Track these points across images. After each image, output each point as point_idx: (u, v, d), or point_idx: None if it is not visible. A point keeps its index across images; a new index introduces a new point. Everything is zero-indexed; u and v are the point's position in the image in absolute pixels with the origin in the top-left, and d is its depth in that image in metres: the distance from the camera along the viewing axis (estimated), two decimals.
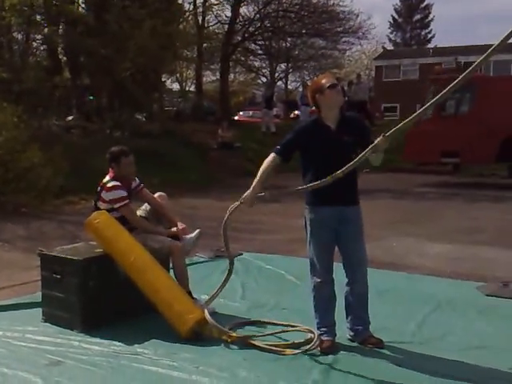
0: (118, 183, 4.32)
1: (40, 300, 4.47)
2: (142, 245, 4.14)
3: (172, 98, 26.56)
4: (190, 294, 4.26)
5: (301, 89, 25.29)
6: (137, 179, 4.57)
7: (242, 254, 6.34)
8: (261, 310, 4.41)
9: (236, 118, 23.60)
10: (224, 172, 14.73)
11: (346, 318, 3.70)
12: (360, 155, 3.41)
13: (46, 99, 15.62)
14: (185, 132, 17.26)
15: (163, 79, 21.96)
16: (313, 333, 3.73)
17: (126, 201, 4.31)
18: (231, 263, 4.02)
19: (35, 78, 15.19)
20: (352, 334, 3.69)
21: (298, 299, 4.69)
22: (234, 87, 30.71)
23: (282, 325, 4.03)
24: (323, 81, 3.60)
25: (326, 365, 3.41)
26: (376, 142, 3.32)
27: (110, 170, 4.41)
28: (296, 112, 23.53)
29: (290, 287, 5.16)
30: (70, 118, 17.15)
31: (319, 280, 3.63)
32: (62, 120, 16.39)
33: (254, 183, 3.65)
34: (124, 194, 4.31)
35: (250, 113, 27.31)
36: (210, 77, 29.22)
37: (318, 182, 3.46)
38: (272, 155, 3.65)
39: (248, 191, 3.67)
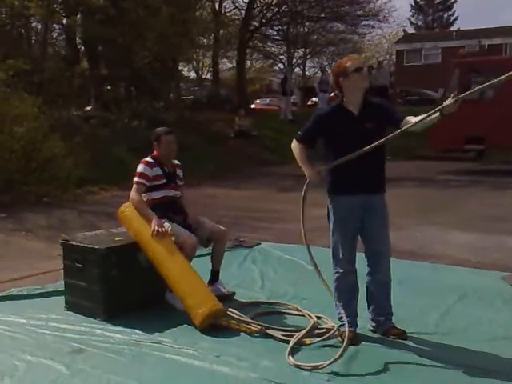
0: (149, 159, 4.38)
1: (63, 288, 4.54)
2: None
3: (189, 86, 26.54)
4: (216, 273, 4.36)
5: (319, 75, 25.06)
6: (181, 173, 4.57)
7: (260, 244, 6.33)
8: (280, 300, 4.40)
9: (253, 106, 23.47)
10: (241, 161, 14.71)
11: (368, 308, 3.68)
12: (421, 117, 3.32)
13: (66, 89, 15.74)
14: (201, 121, 17.26)
15: (180, 67, 21.98)
16: (334, 323, 3.71)
17: (142, 179, 4.30)
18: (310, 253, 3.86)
19: (54, 69, 15.32)
20: (374, 324, 3.66)
21: (318, 289, 4.61)
22: (250, 75, 30.57)
23: (302, 315, 4.02)
24: (348, 63, 3.50)
25: (347, 355, 3.38)
26: (444, 104, 3.21)
27: (155, 151, 4.45)
28: (314, 99, 23.33)
29: (310, 277, 5.08)
30: (89, 108, 17.27)
31: (342, 270, 3.60)
32: (80, 110, 16.51)
33: (302, 166, 3.56)
34: (145, 170, 4.31)
35: (267, 100, 27.15)
36: (227, 64, 29.17)
37: (346, 157, 3.42)
38: (294, 142, 3.62)
39: (307, 172, 3.55)
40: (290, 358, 3.30)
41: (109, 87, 18.97)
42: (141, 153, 13.55)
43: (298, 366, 3.22)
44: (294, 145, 3.63)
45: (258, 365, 3.29)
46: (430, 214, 8.02)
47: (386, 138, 3.45)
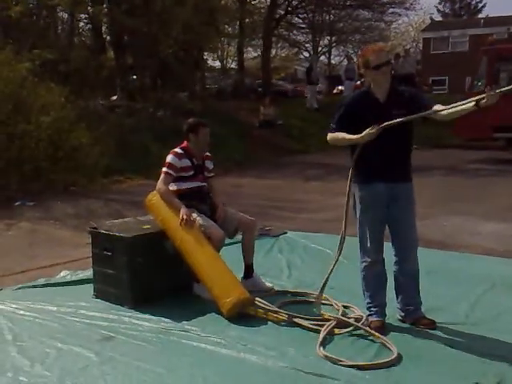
0: (178, 150, 4.35)
1: (91, 276, 4.59)
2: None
3: (213, 75, 26.51)
4: (249, 267, 4.35)
5: (345, 63, 24.79)
6: (210, 164, 4.55)
7: (286, 233, 6.31)
8: (307, 289, 4.36)
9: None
10: (266, 150, 14.67)
11: (396, 298, 3.63)
12: (459, 103, 3.26)
13: (92, 79, 15.87)
14: (226, 110, 17.23)
15: (205, 57, 21.96)
16: (362, 313, 3.68)
17: (169, 170, 4.28)
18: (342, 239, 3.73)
19: (81, 58, 15.44)
20: (403, 314, 3.62)
21: (346, 278, 4.60)
22: (275, 63, 30.36)
23: (330, 304, 3.99)
24: (371, 57, 3.44)
25: (376, 345, 3.35)
26: (483, 95, 3.15)
27: (185, 141, 4.42)
28: (339, 87, 23.09)
29: (337, 266, 5.07)
30: (114, 97, 17.39)
31: (369, 260, 3.55)
32: (106, 100, 16.63)
33: (350, 138, 3.46)
34: (173, 161, 4.30)
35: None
36: (252, 53, 29.00)
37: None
38: (329, 135, 3.56)
39: (356, 138, 3.43)
40: (321, 349, 3.28)
41: (134, 77, 19.06)
42: (166, 142, 13.65)
43: (327, 358, 3.18)
44: (330, 136, 3.56)
45: (285, 354, 3.28)
46: (458, 204, 7.90)
47: (411, 116, 3.36)
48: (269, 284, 4.42)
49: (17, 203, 8.38)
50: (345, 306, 3.92)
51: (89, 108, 13.63)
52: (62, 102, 10.55)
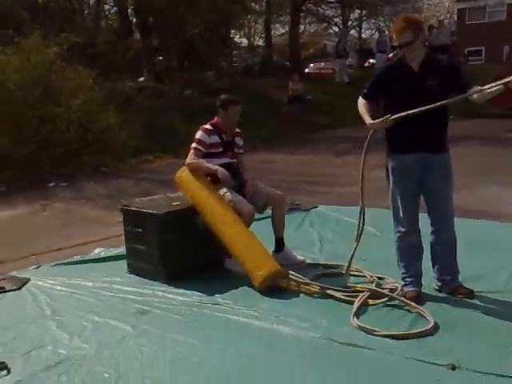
0: (208, 127, 4.34)
1: (124, 253, 4.64)
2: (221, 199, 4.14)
3: (241, 53, 26.32)
4: (280, 241, 4.32)
5: (375, 36, 24.25)
6: (240, 141, 4.52)
7: (317, 207, 6.26)
8: (339, 261, 4.31)
9: (306, 70, 23.04)
10: (296, 126, 14.53)
11: (433, 267, 3.56)
12: (488, 86, 3.19)
13: (119, 62, 15.93)
14: (255, 88, 17.10)
15: (232, 35, 21.77)
16: (396, 284, 3.63)
17: (199, 146, 4.27)
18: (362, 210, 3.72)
19: (107, 41, 15.49)
20: (439, 284, 3.55)
21: (379, 250, 4.57)
22: (303, 39, 29.94)
23: (363, 276, 3.95)
24: (393, 36, 3.42)
25: (411, 315, 3.30)
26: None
27: (216, 117, 4.40)
28: (370, 60, 22.66)
29: (370, 238, 5.00)
30: (142, 79, 17.45)
31: (403, 230, 3.49)
32: (134, 81, 16.70)
33: (363, 115, 3.49)
34: (202, 137, 4.29)
35: (322, 64, 26.58)
36: (280, 30, 28.64)
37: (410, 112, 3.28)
38: (359, 99, 3.54)
39: (367, 121, 3.46)
40: (355, 319, 3.25)
41: (161, 58, 19.07)
42: (193, 121, 13.62)
43: (361, 328, 3.15)
44: (359, 101, 3.55)
45: (318, 325, 3.27)
46: (495, 173, 7.68)
47: (445, 101, 3.28)
48: (300, 257, 4.40)
49: (50, 184, 8.53)
50: (379, 277, 3.88)
51: (116, 90, 13.70)
52: (90, 85, 10.62)
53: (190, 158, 4.30)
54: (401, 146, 3.41)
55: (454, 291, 3.49)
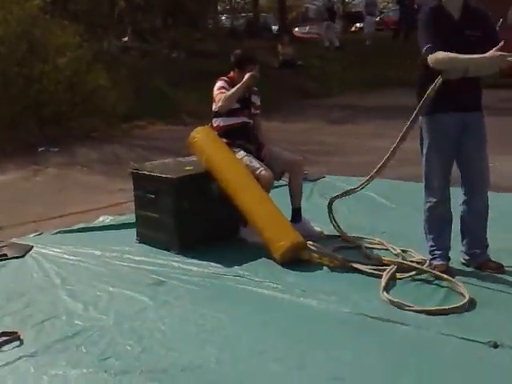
0: (226, 79, 4.13)
1: (132, 221, 4.45)
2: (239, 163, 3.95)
3: (228, 16, 25.58)
4: (298, 211, 4.14)
5: None
6: (257, 100, 4.33)
7: (324, 177, 6.11)
8: (358, 234, 4.19)
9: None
10: (287, 92, 14.21)
11: (462, 240, 3.44)
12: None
13: (103, 19, 15.26)
14: (243, 50, 16.65)
15: None
16: (422, 257, 3.52)
17: (223, 89, 4.05)
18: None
19: None
20: (467, 258, 3.44)
21: (396, 222, 4.48)
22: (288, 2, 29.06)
23: (386, 249, 3.83)
24: None
25: (442, 290, 3.19)
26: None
27: (232, 72, 4.20)
28: (357, 25, 22.17)
29: (384, 210, 4.92)
30: (125, 39, 16.86)
31: (435, 200, 3.34)
32: (118, 41, 16.10)
33: (465, 59, 3.04)
34: (224, 84, 4.08)
35: (307, 28, 25.97)
36: None
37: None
38: (430, 57, 3.11)
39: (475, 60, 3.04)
40: (385, 293, 3.13)
41: (144, 16, 18.36)
42: (182, 86, 13.20)
43: (393, 303, 3.03)
44: (434, 58, 3.07)
45: (347, 299, 3.14)
46: (504, 145, 7.50)
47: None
48: (318, 228, 4.25)
49: (40, 149, 8.21)
50: (402, 250, 3.75)
51: (103, 49, 13.19)
52: (77, 42, 10.14)
53: (218, 99, 4.04)
54: (438, 106, 3.20)
55: (482, 265, 3.38)
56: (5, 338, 2.72)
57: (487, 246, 3.41)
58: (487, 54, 2.98)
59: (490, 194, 3.43)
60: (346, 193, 3.81)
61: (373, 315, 2.92)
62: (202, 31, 18.19)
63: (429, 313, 2.92)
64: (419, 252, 3.65)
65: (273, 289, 3.31)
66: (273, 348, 2.63)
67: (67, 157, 7.96)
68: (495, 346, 2.55)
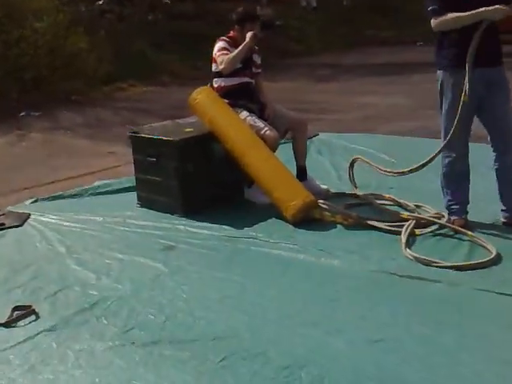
0: (226, 39, 3.95)
1: (130, 185, 4.28)
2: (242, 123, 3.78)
3: None
4: (303, 169, 4.00)
5: None
6: (258, 59, 4.14)
7: (318, 135, 5.96)
8: (365, 190, 4.07)
9: None
10: (268, 53, 13.91)
11: (500, 198, 3.28)
12: None
13: None
14: (222, 10, 16.24)
15: None
16: (438, 211, 3.43)
17: (225, 51, 3.87)
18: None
19: None
20: (507, 215, 3.27)
21: (402, 178, 4.34)
22: None
23: (398, 204, 3.73)
24: None
25: (465, 244, 3.11)
26: None
27: (232, 31, 4.02)
28: None
29: (387, 166, 4.76)
30: (100, 2, 16.26)
31: (454, 155, 3.22)
32: (93, 4, 15.51)
33: (469, 15, 2.98)
34: (224, 45, 3.90)
35: None
36: None
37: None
38: (433, 21, 3.07)
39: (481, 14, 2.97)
40: (408, 250, 3.04)
41: None
42: (163, 48, 12.85)
43: (419, 260, 2.94)
44: (437, 23, 3.07)
45: (369, 257, 3.04)
46: None
47: None
48: (324, 186, 4.13)
49: (21, 114, 7.87)
50: (416, 206, 3.66)
51: (81, 13, 12.68)
52: (55, 6, 9.72)
53: (221, 60, 3.85)
54: (458, 60, 3.06)
55: None
56: (19, 313, 2.55)
57: None
58: (490, 8, 2.93)
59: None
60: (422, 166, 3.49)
61: (401, 273, 2.82)
62: None
63: (458, 268, 2.84)
64: (433, 206, 3.57)
65: (290, 249, 3.18)
66: (304, 311, 2.52)
67: (50, 121, 7.67)
68: None
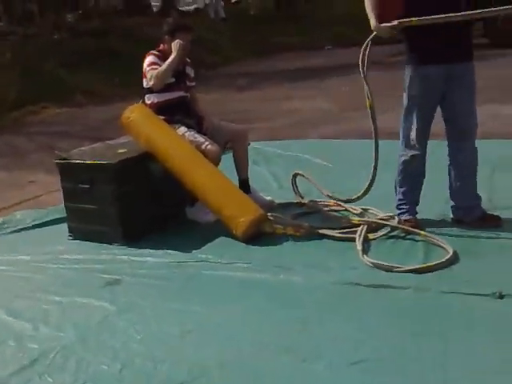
0: (156, 53, 3.74)
1: (56, 216, 3.93)
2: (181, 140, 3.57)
3: None
4: (246, 182, 3.85)
5: None
6: (191, 72, 3.96)
7: (249, 144, 5.82)
8: (309, 197, 3.96)
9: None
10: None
11: (450, 195, 3.26)
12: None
13: None
14: (130, 26, 15.86)
15: None
16: (387, 214, 3.38)
17: (154, 66, 3.65)
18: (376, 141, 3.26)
19: None
20: (458, 212, 3.24)
21: (341, 181, 4.27)
22: None
23: (344, 209, 3.65)
24: None
25: (419, 245, 3.05)
26: None
27: (162, 44, 3.80)
28: None
29: (324, 171, 4.72)
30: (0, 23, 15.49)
31: (413, 153, 3.15)
32: None
33: (369, 14, 3.02)
34: (154, 60, 3.69)
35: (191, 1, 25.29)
36: None
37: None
38: None
39: (372, 21, 3.02)
40: (365, 257, 2.94)
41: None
42: (73, 66, 12.32)
43: (379, 266, 2.84)
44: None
45: (329, 269, 2.91)
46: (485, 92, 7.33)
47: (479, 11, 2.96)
48: (268, 197, 3.98)
49: None
50: (363, 209, 3.58)
51: None
52: None
53: (151, 75, 3.64)
54: (423, 56, 3.02)
55: (476, 220, 3.18)
56: None
57: (480, 198, 3.23)
58: (375, 23, 3.00)
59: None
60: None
61: (365, 283, 2.71)
62: (83, 12, 17.10)
63: (419, 271, 2.76)
64: (379, 209, 3.51)
65: (245, 269, 3.00)
66: (275, 337, 2.33)
67: None
68: (500, 296, 2.44)
